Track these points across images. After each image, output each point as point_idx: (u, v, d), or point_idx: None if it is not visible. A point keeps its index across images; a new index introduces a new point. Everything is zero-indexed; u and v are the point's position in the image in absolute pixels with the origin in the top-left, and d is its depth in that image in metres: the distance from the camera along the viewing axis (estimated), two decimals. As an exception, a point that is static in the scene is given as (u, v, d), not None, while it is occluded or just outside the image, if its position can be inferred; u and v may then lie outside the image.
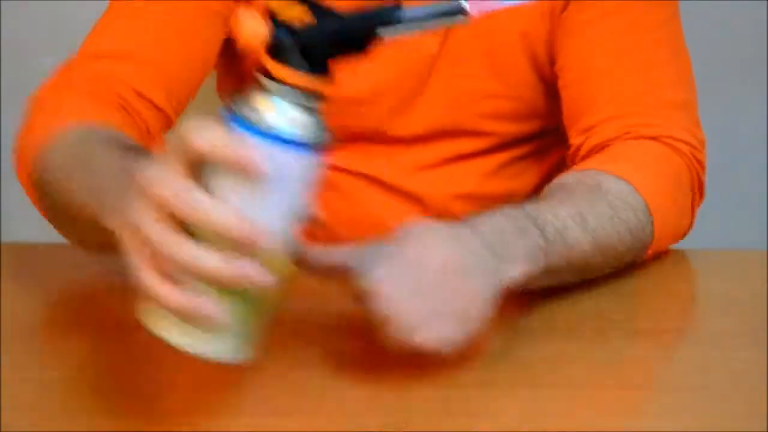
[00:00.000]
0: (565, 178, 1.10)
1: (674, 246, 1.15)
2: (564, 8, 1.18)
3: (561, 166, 1.26)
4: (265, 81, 0.78)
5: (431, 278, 0.88)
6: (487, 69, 1.21)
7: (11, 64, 1.72)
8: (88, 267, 1.13)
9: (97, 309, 1.09)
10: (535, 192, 1.28)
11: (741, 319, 1.03)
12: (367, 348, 0.95)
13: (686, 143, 1.14)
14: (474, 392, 0.90)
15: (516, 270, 0.93)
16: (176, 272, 0.77)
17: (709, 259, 1.18)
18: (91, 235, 0.94)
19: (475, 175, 1.25)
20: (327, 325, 0.98)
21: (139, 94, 1.13)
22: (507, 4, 0.80)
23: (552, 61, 1.20)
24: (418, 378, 0.91)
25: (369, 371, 0.94)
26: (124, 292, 1.07)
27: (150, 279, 0.78)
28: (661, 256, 1.14)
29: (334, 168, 1.25)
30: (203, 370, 0.93)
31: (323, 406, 0.88)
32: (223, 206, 0.76)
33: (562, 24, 1.18)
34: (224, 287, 0.77)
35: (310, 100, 0.78)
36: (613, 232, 1.04)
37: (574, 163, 1.18)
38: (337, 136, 1.23)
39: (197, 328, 0.78)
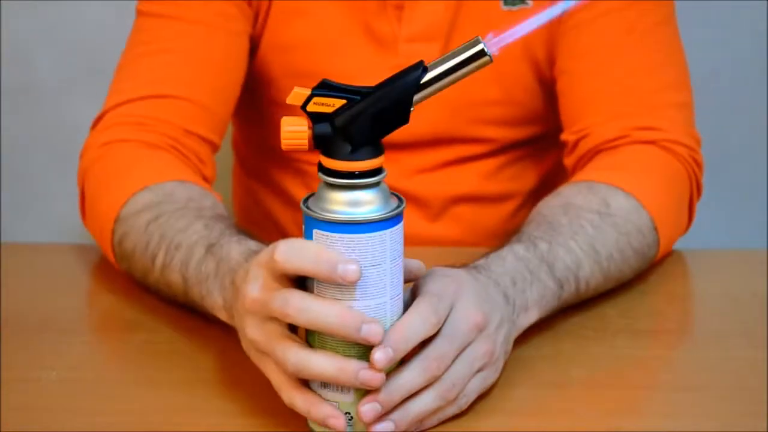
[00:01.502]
0: (571, 192, 1.08)
1: (674, 246, 1.15)
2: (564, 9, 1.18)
3: (560, 167, 1.25)
4: (323, 176, 0.80)
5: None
6: (487, 76, 1.21)
7: (11, 64, 1.72)
8: (88, 267, 1.14)
9: (97, 309, 1.09)
10: (535, 193, 1.28)
11: (741, 319, 1.03)
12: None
13: (685, 146, 1.14)
14: (474, 392, 0.90)
15: (528, 318, 0.94)
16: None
17: (709, 259, 1.18)
18: (170, 297, 1.01)
19: (474, 177, 1.25)
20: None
21: (187, 131, 1.14)
22: (521, 33, 0.80)
23: (551, 62, 1.20)
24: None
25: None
26: (124, 292, 1.07)
27: (283, 387, 0.83)
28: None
29: None
30: (203, 370, 0.93)
31: (323, 406, 0.88)
32: (330, 307, 0.79)
33: (561, 25, 1.18)
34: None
35: (370, 177, 0.79)
36: (622, 258, 1.04)
37: (570, 162, 1.17)
38: None
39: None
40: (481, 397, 0.88)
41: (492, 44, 0.79)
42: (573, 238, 1.01)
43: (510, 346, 0.91)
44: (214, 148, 1.17)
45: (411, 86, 0.79)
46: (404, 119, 0.80)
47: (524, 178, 1.28)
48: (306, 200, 0.81)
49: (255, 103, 1.27)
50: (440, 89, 0.80)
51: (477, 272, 0.91)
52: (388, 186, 0.82)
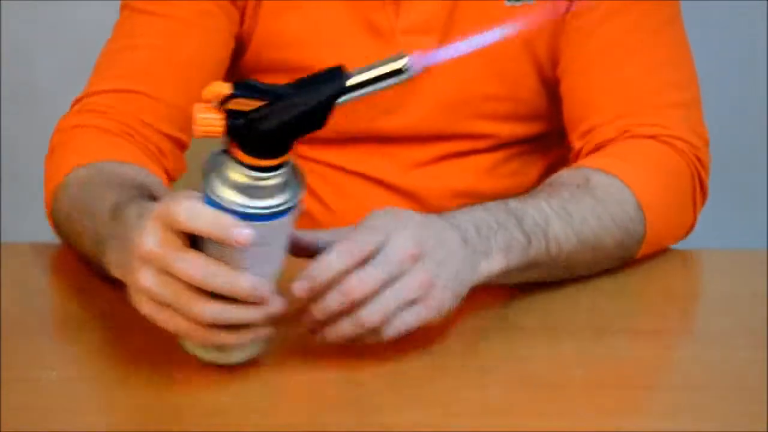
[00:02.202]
0: (557, 175, 1.11)
1: (675, 246, 1.15)
2: (567, 9, 1.18)
3: (561, 164, 1.25)
4: (229, 163, 0.82)
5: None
6: (487, 72, 1.21)
7: (11, 64, 1.72)
8: (88, 267, 1.14)
9: (97, 309, 1.09)
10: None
11: (741, 319, 1.03)
12: (366, 348, 0.95)
13: (686, 142, 1.14)
14: (474, 392, 0.90)
15: (491, 264, 0.96)
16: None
17: (709, 259, 1.18)
18: (99, 270, 1.02)
19: (472, 173, 1.25)
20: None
21: (144, 123, 1.15)
22: (449, 56, 0.82)
23: (554, 63, 1.20)
24: (419, 378, 0.91)
25: (369, 371, 0.94)
26: (124, 292, 1.07)
27: (188, 330, 0.87)
28: (661, 255, 1.14)
29: (332, 167, 1.25)
30: (203, 370, 0.93)
31: (322, 406, 0.88)
32: (242, 277, 0.84)
33: (566, 26, 1.18)
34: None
35: (273, 172, 0.81)
36: (599, 225, 1.05)
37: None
38: (330, 137, 1.24)
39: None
40: (481, 397, 0.88)
41: (417, 62, 0.80)
42: (546, 200, 1.03)
43: (465, 290, 0.93)
44: (179, 144, 1.19)
45: (330, 94, 0.80)
46: (320, 125, 0.81)
47: (524, 175, 1.28)
48: (212, 159, 0.83)
49: None
50: (360, 97, 0.81)
51: (436, 216, 0.95)
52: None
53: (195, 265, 0.84)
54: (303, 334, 0.97)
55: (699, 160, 1.15)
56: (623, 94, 1.16)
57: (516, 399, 0.89)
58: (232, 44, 1.21)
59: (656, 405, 0.91)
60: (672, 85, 1.17)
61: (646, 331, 1.02)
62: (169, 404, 0.89)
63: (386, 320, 0.87)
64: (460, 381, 0.91)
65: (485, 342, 0.96)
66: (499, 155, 1.26)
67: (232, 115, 0.80)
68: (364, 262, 0.86)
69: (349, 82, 0.80)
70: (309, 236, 0.93)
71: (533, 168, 1.28)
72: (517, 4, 1.18)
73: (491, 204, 0.99)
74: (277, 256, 0.87)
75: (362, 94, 0.81)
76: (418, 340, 0.96)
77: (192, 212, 0.84)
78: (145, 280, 0.86)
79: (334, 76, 0.80)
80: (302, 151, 1.24)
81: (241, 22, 1.21)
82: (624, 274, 1.10)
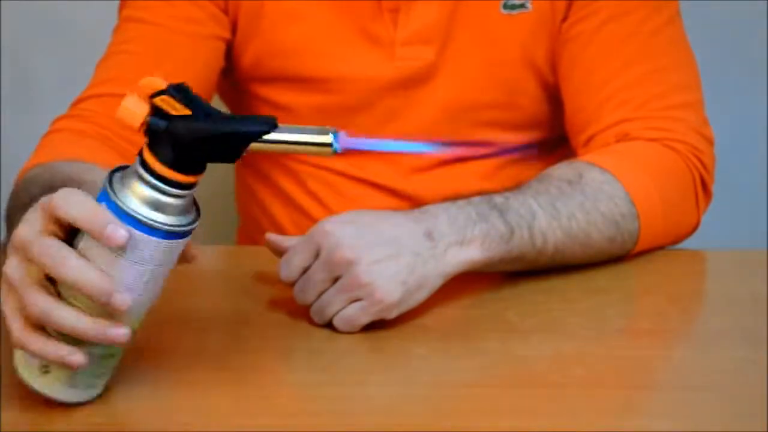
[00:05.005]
0: (551, 168, 1.12)
1: (675, 246, 1.15)
2: (565, 17, 1.18)
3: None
4: (137, 164, 0.80)
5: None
6: (487, 80, 1.21)
7: (11, 64, 1.73)
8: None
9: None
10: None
11: (741, 319, 1.03)
12: (366, 349, 0.96)
13: (688, 144, 1.14)
14: (474, 392, 0.90)
15: (465, 253, 0.98)
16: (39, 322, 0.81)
17: (710, 259, 1.18)
18: None
19: (473, 177, 1.26)
20: (325, 326, 0.98)
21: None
22: (377, 148, 0.83)
23: (554, 70, 1.20)
24: (418, 378, 0.91)
25: (368, 371, 0.94)
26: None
27: (16, 326, 0.81)
28: (661, 255, 1.14)
29: (334, 172, 1.25)
30: (203, 371, 0.93)
31: (323, 406, 0.88)
32: (89, 269, 0.79)
33: (563, 32, 1.18)
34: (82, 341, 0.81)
35: (174, 188, 0.80)
36: (587, 220, 1.06)
37: None
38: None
39: (55, 377, 0.84)
40: (481, 396, 0.88)
41: (342, 140, 0.82)
42: (533, 197, 1.05)
43: (432, 279, 0.96)
44: None
45: (251, 136, 0.80)
46: (232, 159, 0.81)
47: (526, 179, 1.28)
48: (115, 172, 0.81)
49: (252, 104, 1.27)
50: (278, 151, 0.82)
51: (394, 213, 0.98)
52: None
53: (50, 251, 0.79)
54: (302, 337, 0.97)
55: (701, 161, 1.15)
56: (625, 99, 1.16)
57: (516, 399, 0.89)
58: (222, 49, 1.22)
59: (656, 405, 0.91)
60: (675, 87, 1.17)
61: (646, 331, 1.02)
62: (170, 404, 0.89)
63: (325, 304, 0.96)
64: (458, 381, 0.91)
65: (485, 342, 0.97)
66: (500, 161, 1.26)
67: (156, 113, 0.79)
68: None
69: (275, 132, 0.80)
70: (286, 241, 1.01)
71: (535, 172, 1.29)
72: (513, 12, 1.19)
73: (476, 198, 1.02)
74: (150, 280, 0.82)
75: (281, 149, 0.82)
76: (417, 341, 0.96)
77: (69, 199, 0.79)
78: (8, 267, 0.81)
79: (266, 122, 0.80)
80: (303, 157, 1.24)
81: (234, 29, 1.22)
82: (624, 275, 1.10)
